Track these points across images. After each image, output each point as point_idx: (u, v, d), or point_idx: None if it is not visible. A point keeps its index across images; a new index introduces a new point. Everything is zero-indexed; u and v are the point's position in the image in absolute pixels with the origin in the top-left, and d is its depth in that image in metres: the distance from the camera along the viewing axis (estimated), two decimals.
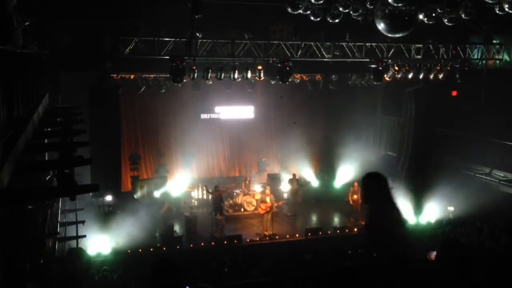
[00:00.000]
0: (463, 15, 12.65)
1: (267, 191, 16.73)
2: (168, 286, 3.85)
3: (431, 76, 17.51)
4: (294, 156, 20.64)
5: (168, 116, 19.89)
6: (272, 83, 17.66)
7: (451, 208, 16.62)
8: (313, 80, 19.59)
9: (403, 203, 17.12)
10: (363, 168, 19.65)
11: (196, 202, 18.52)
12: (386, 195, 4.29)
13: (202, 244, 15.06)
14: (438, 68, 17.53)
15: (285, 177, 19.81)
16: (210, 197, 17.43)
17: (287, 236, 15.76)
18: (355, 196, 16.98)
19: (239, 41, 15.56)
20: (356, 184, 17.34)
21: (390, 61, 17.04)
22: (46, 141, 8.34)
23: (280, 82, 16.26)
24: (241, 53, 15.64)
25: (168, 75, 15.48)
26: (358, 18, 13.46)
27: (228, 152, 21.60)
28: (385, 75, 17.17)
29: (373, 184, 4.33)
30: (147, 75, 17.15)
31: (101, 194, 16.09)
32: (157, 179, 19.18)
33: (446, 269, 3.86)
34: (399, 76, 17.48)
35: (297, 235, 15.83)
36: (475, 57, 18.01)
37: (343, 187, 20.07)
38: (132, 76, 17.04)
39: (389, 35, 10.61)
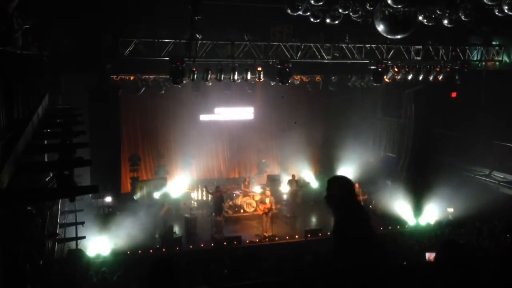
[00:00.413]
0: (462, 17, 12.66)
1: (268, 192, 16.73)
2: (167, 286, 3.85)
3: (431, 78, 17.52)
4: (293, 157, 20.64)
5: (167, 117, 19.90)
6: (272, 84, 17.67)
7: (450, 210, 16.63)
8: (312, 81, 19.60)
9: (403, 204, 17.15)
10: (363, 169, 19.72)
11: (195, 203, 18.52)
12: (351, 200, 4.11)
13: (202, 245, 15.06)
14: (438, 69, 17.53)
15: (285, 178, 19.82)
16: (210, 198, 17.44)
17: (287, 237, 15.76)
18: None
19: (238, 42, 15.57)
20: (357, 185, 17.35)
21: (389, 62, 17.03)
22: (45, 142, 8.35)
23: (280, 84, 16.25)
24: (241, 55, 15.65)
25: (168, 76, 15.49)
26: (358, 20, 13.46)
27: (227, 153, 21.60)
28: (385, 77, 17.17)
29: (337, 188, 4.17)
30: (147, 76, 17.17)
31: (101, 195, 16.07)
32: (157, 180, 19.18)
33: (446, 271, 3.85)
34: (398, 77, 17.49)
35: (296, 236, 15.83)
36: (475, 58, 18.01)
37: None
38: (132, 77, 17.05)
39: (389, 36, 10.65)
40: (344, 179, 4.25)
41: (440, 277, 3.86)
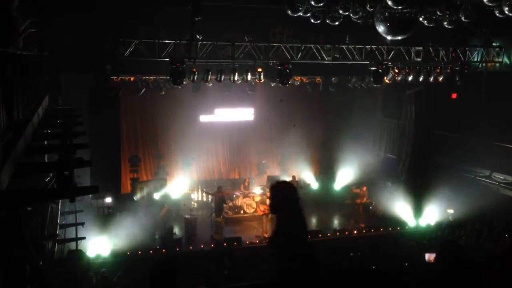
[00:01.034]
0: (463, 18, 12.67)
1: (268, 193, 16.68)
2: (168, 286, 3.86)
3: (431, 79, 17.52)
4: (294, 158, 20.63)
5: (168, 118, 19.88)
6: (272, 85, 17.66)
7: (450, 211, 16.62)
8: (313, 82, 19.60)
9: (403, 205, 17.14)
10: (363, 170, 19.72)
11: (195, 204, 18.50)
12: (292, 206, 4.11)
13: (202, 246, 15.04)
14: (438, 70, 17.53)
15: (285, 179, 19.78)
16: (210, 198, 17.42)
17: None
18: (357, 200, 17.13)
19: (239, 43, 15.57)
20: (365, 188, 17.40)
21: (390, 63, 17.04)
22: (45, 143, 8.34)
23: (280, 85, 16.25)
24: (241, 55, 15.65)
25: (168, 77, 15.48)
26: (358, 21, 13.47)
27: (227, 154, 21.59)
28: (385, 78, 17.18)
29: (280, 194, 4.20)
30: (147, 77, 17.15)
31: (101, 196, 16.06)
32: (157, 181, 19.17)
33: (445, 272, 3.85)
34: (399, 78, 17.49)
35: None
36: (475, 59, 18.02)
37: (342, 190, 20.07)
38: (132, 78, 17.04)
39: (389, 37, 10.65)
40: (286, 184, 4.36)
41: (440, 278, 3.85)
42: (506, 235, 13.50)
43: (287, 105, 20.92)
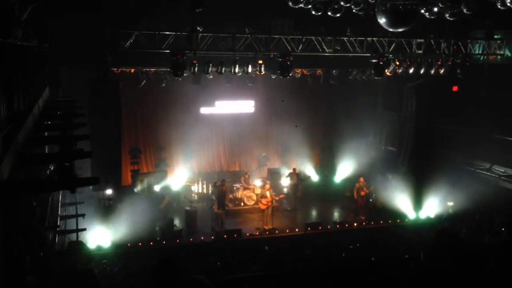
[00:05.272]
0: (464, 10, 12.62)
1: (267, 186, 16.74)
2: (170, 279, 3.88)
3: (432, 71, 17.48)
4: (294, 150, 20.63)
5: (168, 110, 19.85)
6: (273, 77, 17.64)
7: (451, 203, 16.65)
8: (313, 74, 19.55)
9: (403, 198, 17.16)
10: (364, 163, 19.72)
11: (196, 196, 18.53)
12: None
13: (202, 238, 15.08)
14: (439, 63, 17.48)
15: (286, 172, 19.80)
16: (210, 190, 17.46)
17: (287, 231, 15.79)
18: (361, 192, 17.14)
19: (240, 35, 15.51)
20: (362, 179, 17.40)
21: (391, 56, 16.99)
22: (46, 134, 8.34)
23: (281, 77, 16.22)
24: (242, 47, 15.59)
25: (168, 69, 15.45)
26: (360, 13, 13.41)
27: (228, 147, 21.59)
28: (386, 70, 17.13)
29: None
30: (148, 69, 17.11)
31: (101, 187, 16.10)
32: (157, 173, 19.18)
33: (439, 258, 3.84)
34: (400, 71, 17.44)
35: (296, 230, 15.86)
36: (476, 52, 17.97)
37: (343, 182, 20.08)
38: (132, 70, 17.00)
39: (391, 29, 10.62)
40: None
41: (433, 264, 3.86)
42: (503, 229, 13.51)
43: (288, 98, 20.89)
